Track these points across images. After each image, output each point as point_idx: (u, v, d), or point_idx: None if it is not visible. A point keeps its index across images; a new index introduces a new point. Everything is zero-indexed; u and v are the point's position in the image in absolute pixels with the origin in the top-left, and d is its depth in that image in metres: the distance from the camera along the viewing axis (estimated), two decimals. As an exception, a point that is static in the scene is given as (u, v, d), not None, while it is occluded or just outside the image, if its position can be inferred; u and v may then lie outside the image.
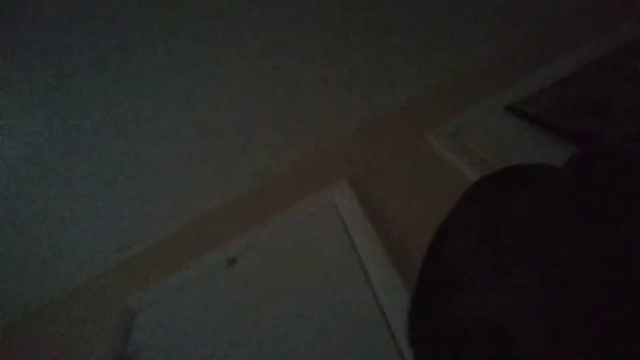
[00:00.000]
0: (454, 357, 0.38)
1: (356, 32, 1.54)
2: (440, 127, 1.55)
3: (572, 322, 0.31)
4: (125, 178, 1.69)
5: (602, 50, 1.38)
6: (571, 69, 1.40)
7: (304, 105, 1.71)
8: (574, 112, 1.22)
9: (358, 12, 1.49)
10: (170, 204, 1.87)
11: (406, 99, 1.86)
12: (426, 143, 1.56)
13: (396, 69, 1.71)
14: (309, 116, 1.76)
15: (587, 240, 0.33)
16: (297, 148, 1.88)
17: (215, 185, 1.88)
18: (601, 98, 1.19)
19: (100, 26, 1.25)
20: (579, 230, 0.34)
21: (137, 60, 1.36)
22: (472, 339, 0.37)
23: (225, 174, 1.85)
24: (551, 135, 1.21)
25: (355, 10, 1.48)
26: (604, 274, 0.31)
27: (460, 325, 0.39)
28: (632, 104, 1.08)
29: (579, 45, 1.47)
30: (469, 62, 1.77)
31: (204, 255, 1.72)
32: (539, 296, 0.33)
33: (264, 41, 1.46)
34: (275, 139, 1.79)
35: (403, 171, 1.54)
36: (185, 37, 1.37)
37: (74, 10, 1.20)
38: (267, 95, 1.62)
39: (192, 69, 1.45)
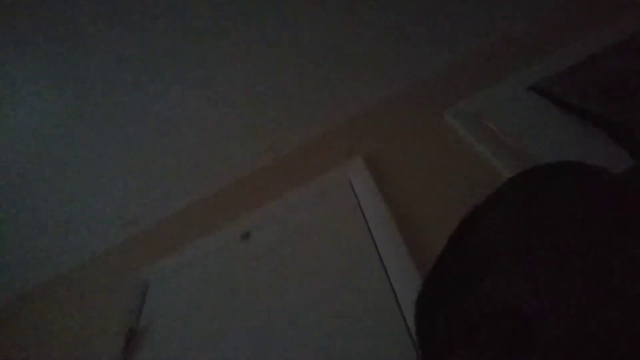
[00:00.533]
0: (470, 339, 0.39)
1: (372, 6, 1.50)
2: (460, 105, 1.51)
3: (594, 315, 0.31)
4: (139, 150, 1.69)
5: (628, 32, 1.32)
6: (596, 49, 1.35)
7: (320, 81, 1.68)
8: (599, 95, 1.18)
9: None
10: (186, 178, 1.88)
11: (425, 76, 1.81)
12: (445, 122, 1.52)
13: (415, 44, 1.66)
14: (325, 91, 1.73)
15: (633, 250, 0.33)
16: (313, 124, 1.86)
17: (230, 160, 1.88)
18: (627, 81, 1.15)
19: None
20: (626, 239, 0.33)
21: (153, 26, 1.35)
22: (491, 322, 0.37)
23: (239, 149, 1.85)
24: (575, 118, 1.17)
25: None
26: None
27: (483, 307, 0.39)
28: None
29: (604, 26, 1.41)
30: (491, 38, 1.71)
31: (217, 229, 1.74)
32: (564, 291, 0.34)
33: (280, 16, 1.43)
34: (291, 114, 1.78)
35: (419, 150, 1.51)
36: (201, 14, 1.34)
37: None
38: (282, 70, 1.60)
39: (209, 41, 1.44)
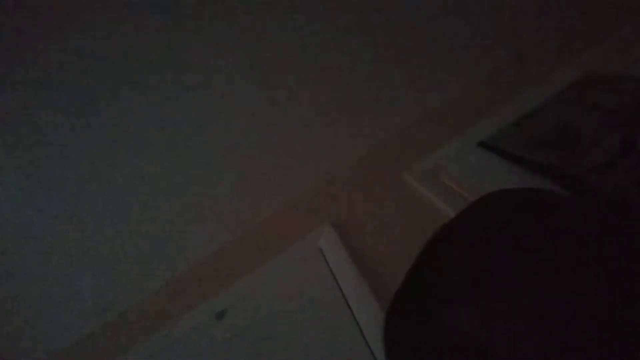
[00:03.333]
0: None
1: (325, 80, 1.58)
2: (417, 165, 1.58)
3: (559, 348, 0.31)
4: (105, 236, 1.67)
5: (565, 83, 1.44)
6: (539, 102, 1.46)
7: (279, 153, 1.73)
8: (542, 145, 1.26)
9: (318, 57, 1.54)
10: (149, 261, 1.84)
11: (380, 140, 1.88)
12: (404, 182, 1.58)
13: (366, 111, 1.74)
14: (283, 163, 1.78)
15: (596, 280, 0.34)
16: (277, 194, 1.88)
17: (196, 239, 1.86)
18: (567, 130, 1.24)
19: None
20: (586, 268, 0.35)
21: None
22: (455, 352, 0.37)
23: (205, 226, 1.84)
24: (522, 169, 1.24)
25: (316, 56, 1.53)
26: (602, 311, 0.32)
27: (446, 337, 0.39)
28: (595, 135, 1.13)
29: (544, 79, 1.53)
30: (440, 99, 1.82)
31: (189, 312, 1.69)
32: (530, 320, 0.34)
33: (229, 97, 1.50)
34: (252, 188, 1.80)
35: (384, 211, 1.55)
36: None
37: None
38: (243, 144, 1.64)
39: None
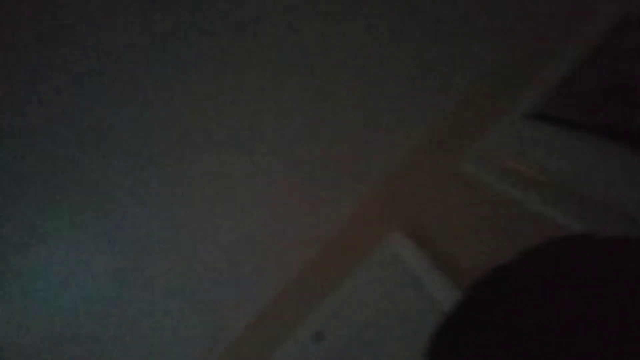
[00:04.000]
0: None
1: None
2: (471, 150, 1.56)
3: None
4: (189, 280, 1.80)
5: (600, 33, 1.37)
6: (578, 57, 1.40)
7: (333, 163, 1.78)
8: (595, 104, 1.20)
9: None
10: (242, 291, 1.95)
11: (427, 132, 1.86)
12: (463, 172, 1.57)
13: (402, 108, 1.74)
14: (341, 174, 1.82)
15: None
16: (341, 209, 1.92)
17: (277, 263, 1.95)
18: (617, 82, 1.18)
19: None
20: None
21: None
22: None
23: (275, 258, 1.92)
24: (580, 132, 1.20)
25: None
26: None
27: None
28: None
29: (576, 34, 1.46)
30: (474, 79, 1.77)
31: (288, 339, 1.78)
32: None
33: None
34: (319, 204, 1.86)
35: (451, 206, 1.54)
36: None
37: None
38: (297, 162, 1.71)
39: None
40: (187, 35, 1.39)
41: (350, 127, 1.70)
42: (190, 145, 1.57)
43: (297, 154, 1.69)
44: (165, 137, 1.54)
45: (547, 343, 0.36)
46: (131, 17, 1.33)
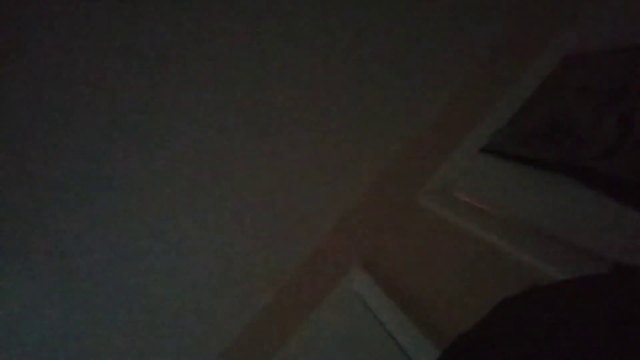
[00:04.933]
0: None
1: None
2: (426, 187, 1.57)
3: None
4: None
5: (547, 70, 1.43)
6: (526, 95, 1.44)
7: (287, 204, 1.75)
8: (543, 140, 1.24)
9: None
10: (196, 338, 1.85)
11: (383, 168, 1.87)
12: (419, 206, 1.57)
13: (360, 142, 1.74)
14: (298, 210, 1.79)
15: None
16: (297, 247, 1.88)
17: (230, 311, 1.87)
18: (562, 119, 1.22)
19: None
20: None
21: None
22: None
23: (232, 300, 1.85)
24: (531, 168, 1.23)
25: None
26: None
27: None
28: (591, 119, 1.12)
29: (526, 70, 1.51)
30: (429, 116, 1.81)
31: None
32: None
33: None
34: (272, 242, 1.81)
35: (406, 239, 1.54)
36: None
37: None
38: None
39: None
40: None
41: (302, 162, 1.69)
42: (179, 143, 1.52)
43: (256, 190, 1.66)
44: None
45: None
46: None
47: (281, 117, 1.57)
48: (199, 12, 1.38)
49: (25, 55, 1.28)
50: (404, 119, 1.77)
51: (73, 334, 1.68)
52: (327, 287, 1.70)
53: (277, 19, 1.45)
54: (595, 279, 0.46)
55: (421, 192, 1.55)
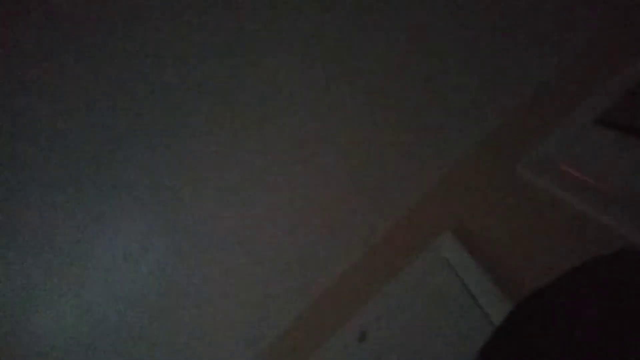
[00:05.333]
0: None
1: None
2: (530, 155, 1.49)
3: None
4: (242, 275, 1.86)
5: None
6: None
7: (389, 163, 1.78)
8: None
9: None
10: (288, 289, 1.99)
11: (484, 133, 1.81)
12: (519, 175, 1.50)
13: (458, 112, 1.70)
14: (394, 174, 1.81)
15: None
16: (394, 209, 1.92)
17: (321, 264, 1.97)
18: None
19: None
20: None
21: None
22: None
23: (328, 250, 1.94)
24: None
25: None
26: None
27: None
28: None
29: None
30: (542, 79, 1.70)
31: (332, 337, 1.79)
32: None
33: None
34: (368, 206, 1.86)
35: (502, 210, 1.48)
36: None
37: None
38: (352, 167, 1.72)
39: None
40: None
41: (403, 130, 1.69)
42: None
43: (349, 157, 1.71)
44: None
45: None
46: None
47: (382, 85, 1.58)
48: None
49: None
50: (512, 87, 1.69)
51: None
52: (418, 249, 1.72)
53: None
54: None
55: (522, 162, 1.48)
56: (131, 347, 1.94)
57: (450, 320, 1.42)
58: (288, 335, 2.06)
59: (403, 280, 1.68)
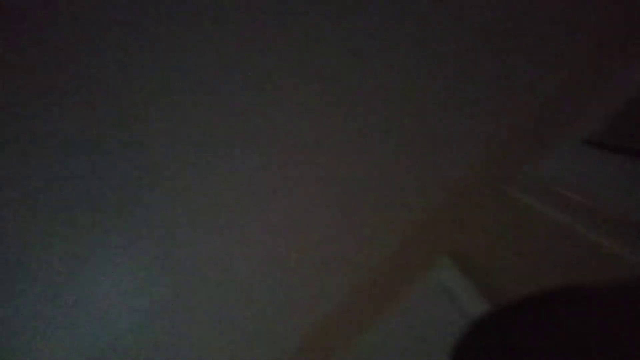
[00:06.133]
0: None
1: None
2: (518, 175, 1.50)
3: None
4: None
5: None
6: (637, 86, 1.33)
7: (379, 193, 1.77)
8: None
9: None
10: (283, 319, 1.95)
11: (471, 157, 1.81)
12: (508, 196, 1.51)
13: (447, 135, 1.71)
14: (387, 200, 1.79)
15: None
16: (386, 238, 1.89)
17: (314, 296, 1.93)
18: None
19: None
20: None
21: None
22: None
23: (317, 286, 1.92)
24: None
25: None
26: None
27: None
28: None
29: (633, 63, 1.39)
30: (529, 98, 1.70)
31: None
32: None
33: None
34: (366, 234, 1.84)
35: (496, 232, 1.49)
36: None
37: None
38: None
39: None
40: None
41: (394, 154, 1.69)
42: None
43: (346, 183, 1.70)
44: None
45: None
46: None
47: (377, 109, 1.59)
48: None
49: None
50: (501, 106, 1.67)
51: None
52: (414, 277, 1.71)
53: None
54: None
55: (512, 183, 1.50)
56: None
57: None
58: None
59: (402, 312, 1.66)
